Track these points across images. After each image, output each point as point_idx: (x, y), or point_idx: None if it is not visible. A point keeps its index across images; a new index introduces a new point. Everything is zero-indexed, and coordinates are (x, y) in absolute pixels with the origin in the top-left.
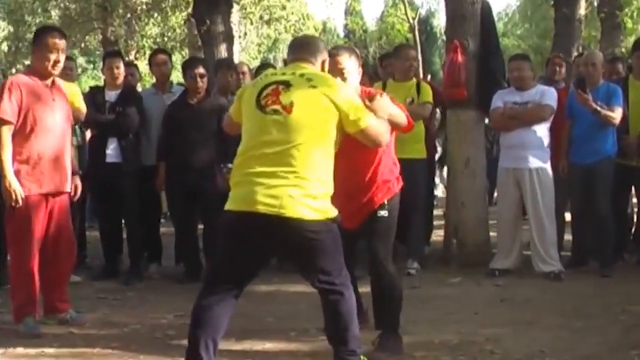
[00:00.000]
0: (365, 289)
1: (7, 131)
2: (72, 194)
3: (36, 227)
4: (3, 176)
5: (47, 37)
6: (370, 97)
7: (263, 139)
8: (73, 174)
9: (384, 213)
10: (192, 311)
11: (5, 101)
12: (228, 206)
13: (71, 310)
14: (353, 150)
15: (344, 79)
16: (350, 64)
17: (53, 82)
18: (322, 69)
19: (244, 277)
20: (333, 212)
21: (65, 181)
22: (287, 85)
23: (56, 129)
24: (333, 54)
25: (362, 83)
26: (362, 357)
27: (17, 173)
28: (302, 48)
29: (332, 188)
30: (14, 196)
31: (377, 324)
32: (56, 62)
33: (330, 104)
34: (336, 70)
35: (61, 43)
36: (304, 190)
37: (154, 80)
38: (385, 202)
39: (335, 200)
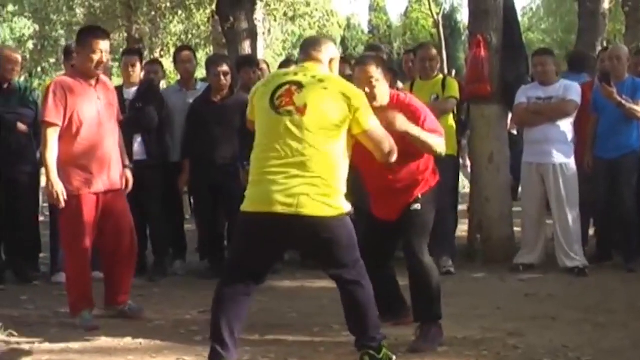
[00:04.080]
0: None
1: (53, 133)
2: (123, 187)
3: (87, 225)
4: (47, 177)
5: (91, 37)
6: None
7: (277, 139)
8: (124, 167)
9: (417, 206)
10: (213, 301)
11: (50, 103)
12: (245, 207)
13: (130, 302)
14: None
15: (372, 88)
16: (378, 74)
17: (97, 81)
18: (331, 68)
19: (261, 271)
20: (347, 207)
21: (115, 178)
22: (299, 86)
23: (102, 127)
24: (361, 63)
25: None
26: (382, 343)
27: (65, 173)
28: (311, 48)
29: (344, 186)
30: (56, 196)
31: (417, 317)
32: (99, 62)
33: (344, 103)
34: (364, 80)
35: (104, 43)
36: (319, 189)
37: (178, 77)
38: (419, 196)
39: (371, 195)
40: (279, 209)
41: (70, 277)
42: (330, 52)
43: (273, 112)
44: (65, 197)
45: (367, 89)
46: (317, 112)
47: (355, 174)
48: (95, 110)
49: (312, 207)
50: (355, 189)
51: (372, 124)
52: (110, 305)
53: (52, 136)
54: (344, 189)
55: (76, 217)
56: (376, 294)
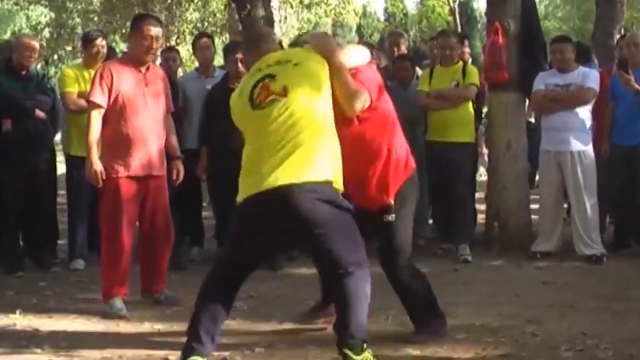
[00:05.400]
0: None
1: (97, 115)
2: (175, 178)
3: (125, 209)
4: (87, 157)
5: (142, 24)
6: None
7: (267, 129)
8: (175, 158)
9: (390, 218)
10: (197, 295)
11: (97, 86)
12: (237, 199)
13: (166, 290)
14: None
15: None
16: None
17: (148, 69)
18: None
19: (250, 263)
20: (341, 186)
21: (156, 165)
22: (271, 77)
23: (147, 114)
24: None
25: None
26: (364, 346)
27: (106, 155)
28: (261, 42)
29: (339, 161)
30: (94, 176)
31: (412, 319)
32: (149, 48)
33: (316, 62)
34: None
35: (155, 30)
36: (311, 163)
37: (194, 65)
38: (392, 204)
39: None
40: (265, 185)
41: (105, 262)
42: (274, 36)
43: (257, 111)
44: (104, 178)
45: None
46: (297, 88)
47: None
48: (141, 97)
49: (301, 175)
50: None
51: (343, 59)
52: (146, 293)
53: (96, 117)
54: (339, 164)
55: (114, 201)
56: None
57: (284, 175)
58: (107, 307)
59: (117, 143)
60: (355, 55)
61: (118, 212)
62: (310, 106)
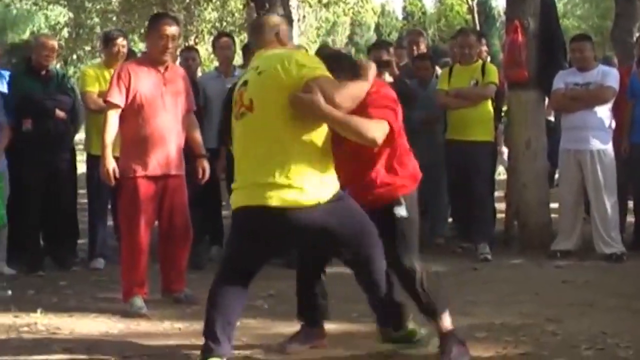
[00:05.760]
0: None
1: (114, 114)
2: (200, 176)
3: (143, 209)
4: (102, 156)
5: (159, 23)
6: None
7: (245, 143)
8: (200, 156)
9: (402, 212)
10: (208, 296)
11: (114, 86)
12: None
13: (186, 289)
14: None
15: None
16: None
17: (167, 68)
18: (280, 42)
19: (253, 268)
20: (325, 195)
21: (175, 164)
22: (245, 85)
23: (165, 114)
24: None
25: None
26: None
27: (125, 155)
28: (251, 38)
29: (324, 167)
30: (106, 174)
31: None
32: (165, 47)
33: (280, 73)
34: None
35: (172, 29)
36: (287, 179)
37: (213, 64)
38: (401, 198)
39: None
40: (249, 202)
41: (125, 261)
42: (270, 27)
43: (235, 121)
44: (117, 176)
45: None
46: (261, 103)
47: None
48: (159, 96)
49: (279, 199)
50: None
51: (317, 74)
52: (166, 292)
53: (112, 116)
54: (323, 170)
55: (132, 200)
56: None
57: (272, 195)
58: (127, 306)
59: (136, 143)
60: (354, 92)
61: (136, 211)
62: (276, 120)
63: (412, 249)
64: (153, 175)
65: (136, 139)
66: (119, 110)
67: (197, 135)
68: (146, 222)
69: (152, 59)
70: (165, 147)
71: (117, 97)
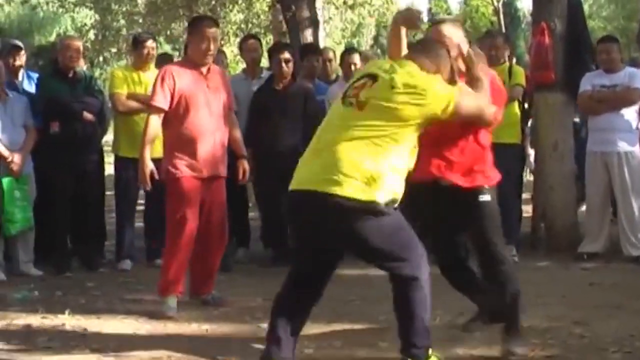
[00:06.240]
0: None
1: (157, 118)
2: (240, 177)
3: (189, 209)
4: (140, 159)
5: (202, 26)
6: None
7: (325, 126)
8: (240, 156)
9: (486, 197)
10: (274, 299)
11: (158, 89)
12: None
13: (214, 291)
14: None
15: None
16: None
17: (209, 70)
18: (441, 73)
19: (316, 275)
20: (381, 199)
21: (219, 166)
22: (374, 80)
23: (209, 115)
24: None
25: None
26: (429, 352)
27: (170, 157)
28: (418, 46)
29: (392, 184)
30: (143, 176)
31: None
32: (207, 49)
33: (408, 101)
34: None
35: (212, 31)
36: (341, 176)
37: (239, 66)
38: (486, 187)
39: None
40: (301, 186)
41: (167, 259)
42: (442, 57)
43: (339, 101)
44: (157, 177)
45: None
46: (372, 113)
47: None
48: (203, 98)
49: (327, 185)
50: None
51: (457, 100)
52: (194, 295)
53: (155, 120)
54: (389, 185)
55: (179, 201)
56: None
57: (325, 182)
58: (156, 305)
59: (182, 144)
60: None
61: (182, 212)
62: (377, 131)
63: (500, 235)
64: (200, 177)
65: (182, 140)
66: (162, 114)
67: (238, 135)
68: (192, 222)
69: (195, 61)
70: (212, 147)
71: (162, 101)
